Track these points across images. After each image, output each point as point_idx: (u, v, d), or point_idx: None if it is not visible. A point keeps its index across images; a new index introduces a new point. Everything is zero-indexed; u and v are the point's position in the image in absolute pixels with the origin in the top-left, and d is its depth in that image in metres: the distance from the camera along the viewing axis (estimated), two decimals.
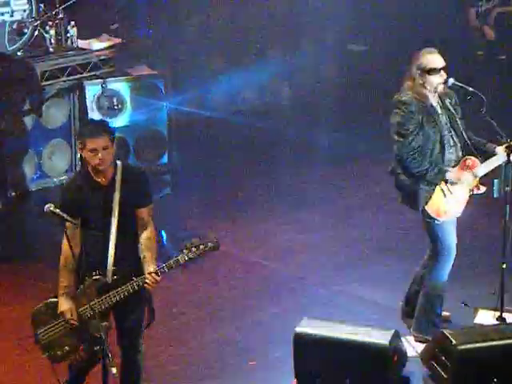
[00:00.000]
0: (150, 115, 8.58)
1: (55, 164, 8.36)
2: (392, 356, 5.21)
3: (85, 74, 8.37)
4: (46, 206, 4.51)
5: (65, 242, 4.62)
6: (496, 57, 10.59)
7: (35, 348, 4.85)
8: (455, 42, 10.04)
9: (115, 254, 4.66)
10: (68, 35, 8.39)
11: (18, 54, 8.15)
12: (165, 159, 8.71)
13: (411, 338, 5.76)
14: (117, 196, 4.67)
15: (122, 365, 4.79)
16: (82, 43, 8.52)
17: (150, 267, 4.65)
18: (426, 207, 5.54)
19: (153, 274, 4.60)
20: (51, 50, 8.29)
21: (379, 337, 5.23)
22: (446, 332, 5.29)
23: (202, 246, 4.66)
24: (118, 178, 4.70)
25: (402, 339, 5.46)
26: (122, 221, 4.68)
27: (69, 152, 8.41)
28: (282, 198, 8.10)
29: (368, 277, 6.66)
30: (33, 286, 6.54)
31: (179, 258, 4.63)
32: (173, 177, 8.67)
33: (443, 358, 5.26)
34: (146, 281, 4.61)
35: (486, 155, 5.66)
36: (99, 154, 4.62)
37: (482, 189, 5.68)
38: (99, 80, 8.36)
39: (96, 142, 4.63)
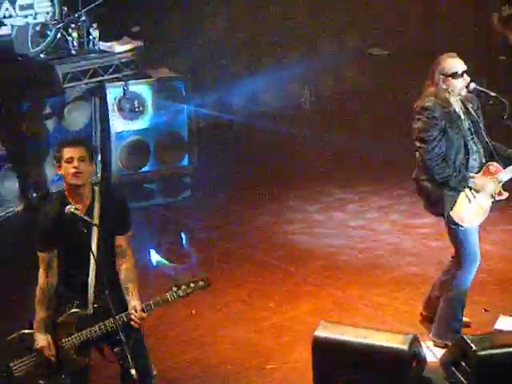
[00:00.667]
0: (171, 117, 8.61)
1: None
2: (411, 361, 5.19)
3: (106, 77, 8.42)
4: (67, 207, 4.51)
5: (41, 272, 4.49)
6: None
7: None
8: (478, 47, 10.00)
9: (95, 284, 4.48)
10: (90, 37, 8.45)
11: (41, 56, 8.20)
12: (185, 161, 8.74)
13: (431, 343, 5.73)
14: (95, 223, 4.46)
15: None
16: (103, 46, 8.57)
17: (134, 301, 4.45)
18: (451, 213, 5.51)
19: (139, 311, 4.42)
20: (73, 52, 8.35)
21: (398, 341, 5.20)
22: (466, 337, 5.25)
23: (192, 285, 4.53)
24: (97, 203, 4.51)
25: (422, 344, 5.43)
26: (101, 250, 4.48)
27: None
28: (301, 201, 8.09)
29: (387, 281, 6.63)
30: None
31: (168, 295, 4.48)
32: (193, 179, 8.70)
33: (463, 364, 5.22)
34: (132, 317, 4.42)
35: (507, 161, 5.62)
36: (75, 162, 4.43)
37: (505, 195, 5.64)
38: (121, 82, 8.41)
39: (73, 150, 4.45)
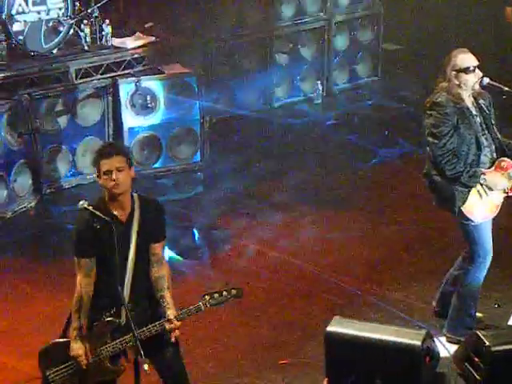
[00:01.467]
0: (183, 113, 8.62)
1: (88, 161, 8.41)
2: (424, 356, 5.18)
3: (119, 72, 8.44)
4: (80, 202, 4.50)
5: (79, 279, 4.46)
6: None
7: None
8: (491, 42, 9.96)
9: (130, 293, 4.46)
10: (103, 33, 8.47)
11: (54, 52, 8.23)
12: (198, 157, 8.74)
13: (444, 339, 5.72)
14: (135, 231, 4.45)
15: None
16: (116, 41, 8.58)
17: (169, 311, 4.44)
18: (463, 208, 5.50)
19: (173, 321, 4.41)
20: (86, 48, 8.37)
21: (411, 337, 5.20)
22: (480, 333, 5.24)
23: (225, 293, 4.52)
24: (137, 212, 4.48)
25: (435, 340, 5.43)
26: (138, 258, 4.47)
27: None
28: (315, 197, 8.07)
29: (400, 276, 6.62)
30: (67, 283, 6.61)
31: (201, 304, 4.48)
32: (205, 175, 8.70)
33: (476, 360, 5.21)
34: (166, 327, 4.41)
35: None
36: (113, 175, 4.39)
37: None
38: (133, 78, 8.42)
39: (110, 162, 4.41)
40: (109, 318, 4.46)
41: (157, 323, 4.43)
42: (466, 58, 5.48)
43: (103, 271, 4.48)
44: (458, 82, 5.47)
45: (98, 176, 4.51)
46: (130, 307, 4.45)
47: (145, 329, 4.43)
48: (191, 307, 4.48)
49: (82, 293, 4.45)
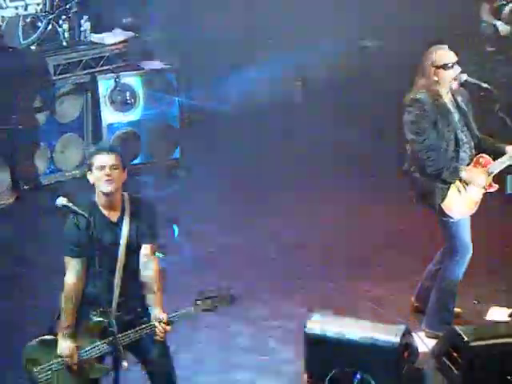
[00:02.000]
0: (163, 110, 8.60)
1: (67, 158, 8.39)
2: (403, 352, 5.21)
3: (98, 69, 8.40)
4: (58, 199, 4.49)
5: (69, 278, 4.44)
6: (510, 53, 10.53)
7: None
8: (467, 38, 10.00)
9: (120, 294, 4.44)
10: (81, 29, 8.42)
11: (32, 47, 8.17)
12: (177, 154, 8.73)
13: (422, 334, 5.75)
14: (125, 232, 4.43)
15: None
16: (95, 37, 8.54)
17: (158, 313, 4.41)
18: (442, 205, 5.53)
19: (163, 324, 4.38)
20: (64, 44, 8.32)
21: (390, 333, 5.23)
22: (458, 328, 5.28)
23: (216, 299, 4.49)
24: (127, 212, 4.46)
25: (413, 335, 5.46)
26: (129, 258, 4.45)
27: (81, 146, 8.44)
28: (293, 193, 8.08)
29: (379, 272, 6.65)
30: (44, 280, 6.58)
31: (192, 309, 4.46)
32: (185, 172, 8.69)
33: (455, 355, 5.25)
34: (156, 330, 4.39)
35: (495, 154, 5.64)
36: (107, 170, 4.39)
37: (495, 187, 5.66)
38: (112, 74, 8.39)
39: (104, 158, 4.41)
40: (98, 319, 4.44)
41: (145, 326, 4.43)
42: (444, 54, 5.51)
43: (93, 271, 4.45)
44: (436, 79, 5.50)
45: (89, 171, 4.48)
46: (120, 307, 4.45)
47: (133, 331, 4.43)
48: (182, 311, 4.46)
49: (71, 292, 4.44)
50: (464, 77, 5.56)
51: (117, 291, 4.45)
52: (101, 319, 4.43)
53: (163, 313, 4.44)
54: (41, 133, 8.17)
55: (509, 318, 5.81)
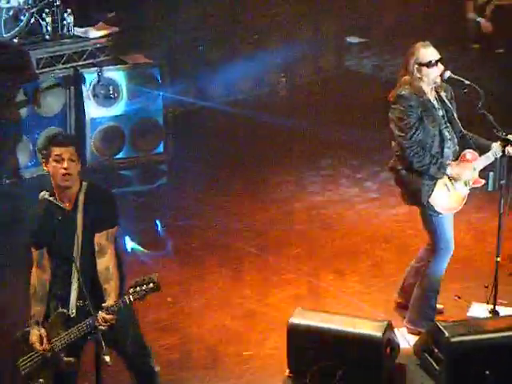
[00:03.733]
0: (146, 104, 8.57)
1: None
2: (385, 348, 5.23)
3: (81, 62, 8.36)
4: (41, 193, 4.47)
5: (34, 270, 4.47)
6: (493, 50, 10.59)
7: None
8: (452, 35, 10.05)
9: (79, 284, 4.39)
10: (64, 23, 8.38)
11: (14, 41, 8.12)
12: (161, 148, 8.71)
13: (404, 330, 5.77)
14: (79, 220, 4.38)
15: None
16: (78, 31, 8.50)
17: (107, 303, 4.38)
18: (430, 200, 5.54)
19: (103, 314, 4.32)
20: (47, 37, 8.28)
21: (372, 328, 5.25)
22: (440, 324, 5.31)
23: (144, 287, 4.32)
24: (81, 198, 4.40)
25: (396, 331, 5.48)
26: (86, 248, 4.41)
27: None
28: (278, 189, 8.09)
29: (362, 268, 6.67)
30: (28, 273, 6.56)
31: (126, 298, 4.34)
32: (169, 166, 8.67)
33: (436, 351, 5.28)
34: (98, 319, 4.31)
35: (480, 149, 5.67)
36: (65, 163, 4.33)
37: (481, 182, 5.69)
38: (95, 68, 8.35)
39: (62, 150, 4.34)
40: (60, 310, 4.46)
41: (88, 319, 4.36)
42: (428, 52, 5.52)
43: (55, 261, 4.48)
44: (420, 76, 5.51)
45: (45, 162, 4.43)
46: (79, 297, 4.42)
47: (80, 325, 4.37)
48: (118, 301, 4.38)
49: (35, 281, 4.48)
50: (447, 74, 5.58)
51: (75, 282, 4.41)
52: (63, 310, 4.44)
53: (112, 302, 4.37)
54: (23, 126, 8.13)
55: (489, 315, 5.84)
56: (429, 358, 5.35)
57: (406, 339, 5.64)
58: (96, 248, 4.44)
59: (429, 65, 5.50)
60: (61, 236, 4.43)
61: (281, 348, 5.46)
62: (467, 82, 5.61)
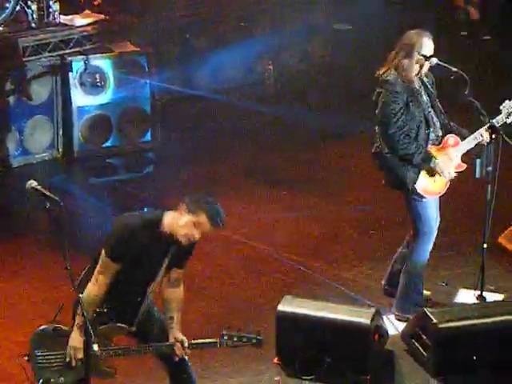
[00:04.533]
0: (133, 92, 8.54)
1: (37, 140, 8.32)
2: (373, 334, 5.25)
3: (67, 50, 8.31)
4: (28, 182, 4.44)
5: (101, 278, 4.41)
6: (480, 37, 10.60)
7: None
8: (439, 22, 10.05)
9: (146, 307, 4.54)
10: (50, 10, 8.32)
11: (0, 28, 8.07)
12: (148, 137, 8.69)
13: (392, 317, 5.79)
14: (169, 255, 4.47)
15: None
16: (64, 19, 8.45)
17: (178, 334, 4.51)
18: (415, 185, 5.56)
19: (185, 347, 4.47)
20: (33, 25, 8.22)
21: (360, 315, 5.27)
22: (427, 311, 5.33)
23: (244, 339, 4.51)
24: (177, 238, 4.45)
25: (384, 318, 5.50)
26: (162, 278, 4.54)
27: (51, 128, 8.37)
28: (265, 177, 8.09)
29: (350, 255, 6.68)
30: (14, 262, 6.55)
31: (217, 342, 4.49)
32: (156, 154, 8.65)
33: (424, 337, 5.30)
34: (175, 349, 4.48)
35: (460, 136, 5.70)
36: (196, 233, 4.41)
37: (463, 166, 5.72)
38: (82, 56, 8.30)
39: (210, 228, 4.43)
40: (120, 324, 4.47)
41: (168, 343, 4.48)
42: (430, 45, 5.52)
43: (127, 279, 4.47)
44: (415, 63, 5.50)
45: (191, 220, 4.41)
46: (140, 322, 4.52)
47: (150, 345, 4.50)
48: (207, 340, 4.52)
49: (100, 291, 4.41)
50: (435, 60, 5.58)
51: (145, 305, 4.53)
52: (123, 325, 4.47)
53: (180, 333, 4.51)
54: (10, 115, 8.08)
55: (477, 300, 5.87)
56: (417, 344, 5.37)
57: (394, 326, 5.66)
58: (173, 280, 4.58)
59: (427, 57, 5.50)
60: (149, 263, 4.46)
61: (269, 335, 5.47)
62: (454, 69, 5.62)
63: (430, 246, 5.73)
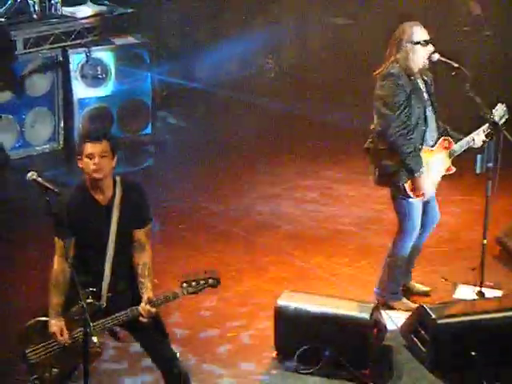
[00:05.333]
0: (135, 85, 8.54)
1: (38, 132, 8.32)
2: (372, 329, 5.25)
3: (69, 43, 8.31)
4: (29, 174, 4.42)
5: (57, 258, 4.46)
6: (482, 32, 10.58)
7: None
8: (440, 17, 10.02)
9: (111, 277, 4.47)
10: (52, 2, 8.31)
11: (1, 20, 8.06)
12: (149, 129, 8.69)
13: (391, 312, 5.79)
14: (115, 215, 4.44)
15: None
16: (66, 11, 8.44)
17: (146, 297, 4.45)
18: (406, 185, 5.55)
19: (148, 306, 4.41)
20: (35, 17, 8.21)
21: (360, 310, 5.27)
22: (426, 306, 5.33)
23: (202, 282, 4.50)
24: (118, 196, 4.47)
25: (382, 313, 5.51)
26: (120, 242, 4.47)
27: (52, 120, 8.37)
28: (264, 172, 8.09)
29: (349, 250, 6.69)
30: (16, 254, 6.55)
31: (178, 292, 4.48)
32: (156, 147, 8.65)
33: (422, 332, 5.31)
34: (141, 312, 4.43)
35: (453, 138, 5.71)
36: (96, 159, 4.39)
37: (453, 169, 5.72)
38: (83, 48, 8.30)
39: (94, 146, 4.39)
40: (89, 300, 4.44)
41: (133, 308, 4.44)
42: (420, 31, 5.50)
43: (84, 252, 4.49)
44: (411, 54, 5.49)
45: (79, 158, 4.48)
46: (110, 289, 4.47)
47: (119, 314, 4.45)
48: (168, 294, 4.48)
49: (60, 271, 4.45)
50: (436, 56, 5.57)
51: (107, 275, 4.47)
52: (90, 301, 4.43)
53: (152, 296, 4.46)
54: (11, 106, 8.08)
55: (476, 296, 5.87)
56: (415, 339, 5.38)
57: (392, 321, 5.66)
58: (135, 244, 4.52)
59: (421, 43, 5.48)
60: (95, 228, 4.46)
61: (267, 330, 5.48)
62: (456, 65, 5.60)
63: (412, 242, 5.76)
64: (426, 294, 5.93)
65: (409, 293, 5.93)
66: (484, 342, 5.17)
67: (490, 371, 5.10)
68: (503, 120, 5.69)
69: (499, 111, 5.67)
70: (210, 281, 4.52)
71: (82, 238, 4.47)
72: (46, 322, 4.50)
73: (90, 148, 4.42)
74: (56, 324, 4.44)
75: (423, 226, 5.77)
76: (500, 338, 5.21)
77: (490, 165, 5.63)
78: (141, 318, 4.43)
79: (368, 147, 5.66)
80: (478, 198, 6.37)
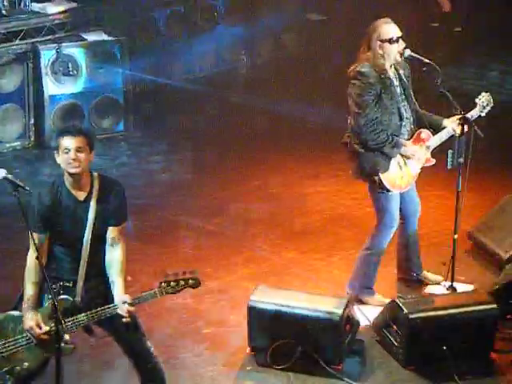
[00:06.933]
0: (106, 81, 8.49)
1: (8, 129, 8.26)
2: (344, 324, 5.28)
3: (39, 38, 8.24)
4: None
5: (31, 252, 4.43)
6: (451, 29, 10.66)
7: None
8: (410, 13, 10.08)
9: (85, 274, 4.45)
10: None
11: None
12: (121, 126, 8.65)
13: (364, 307, 5.82)
14: (92, 212, 4.44)
15: (142, 379, 4.64)
16: (36, 6, 8.38)
17: (121, 295, 4.41)
18: (382, 179, 5.59)
19: (127, 305, 4.38)
20: (4, 12, 8.15)
21: (332, 305, 5.29)
22: (398, 301, 5.37)
23: (182, 282, 4.46)
24: (95, 192, 4.45)
25: (355, 308, 5.53)
26: (95, 238, 4.45)
27: (22, 117, 8.30)
28: (238, 168, 8.09)
29: (322, 246, 6.71)
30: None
31: (157, 291, 4.43)
32: (129, 144, 8.62)
33: (395, 327, 5.34)
34: (119, 311, 4.39)
35: (434, 128, 5.73)
36: (72, 154, 4.38)
37: (432, 161, 5.76)
38: (54, 44, 8.24)
39: (71, 141, 4.39)
40: (62, 296, 4.43)
41: (110, 306, 4.42)
42: (390, 29, 5.54)
43: (59, 247, 4.48)
44: (381, 52, 5.53)
45: (56, 153, 4.48)
46: (84, 286, 4.45)
47: (94, 311, 4.43)
48: (146, 294, 4.45)
49: (33, 264, 4.43)
50: (408, 52, 5.61)
51: (82, 271, 4.45)
52: (64, 296, 4.43)
53: (124, 294, 4.43)
54: None
55: (447, 291, 5.92)
56: (388, 334, 5.41)
57: (365, 316, 5.69)
58: (109, 241, 4.50)
59: (390, 41, 5.51)
60: (71, 223, 4.45)
61: (240, 326, 5.49)
62: (426, 61, 5.64)
63: (389, 237, 5.80)
64: (438, 283, 5.97)
65: (423, 284, 6.00)
66: (455, 337, 5.22)
67: (460, 364, 5.15)
68: (487, 109, 5.74)
69: (483, 100, 5.71)
70: (190, 281, 4.49)
71: (57, 233, 4.46)
72: (17, 316, 4.47)
73: (66, 142, 4.42)
74: (32, 318, 4.41)
75: (409, 214, 5.85)
76: (470, 331, 5.26)
77: (461, 160, 5.67)
78: (124, 320, 4.40)
79: (345, 141, 5.69)
80: (449, 193, 6.42)
